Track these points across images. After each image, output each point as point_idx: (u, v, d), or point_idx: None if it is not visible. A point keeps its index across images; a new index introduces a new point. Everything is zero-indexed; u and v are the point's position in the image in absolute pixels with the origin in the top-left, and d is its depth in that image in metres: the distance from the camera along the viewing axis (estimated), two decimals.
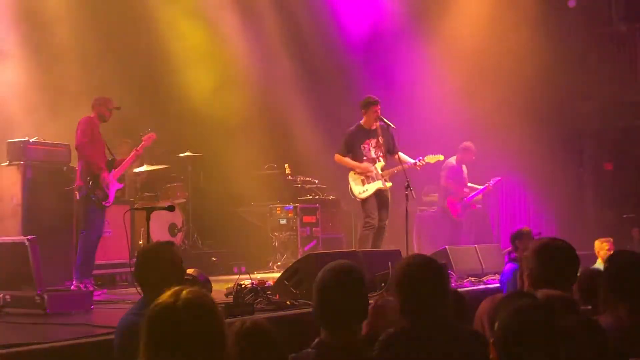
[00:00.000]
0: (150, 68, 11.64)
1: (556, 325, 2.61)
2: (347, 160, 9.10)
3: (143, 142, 8.78)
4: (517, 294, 2.96)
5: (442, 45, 13.01)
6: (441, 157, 9.59)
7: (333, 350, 3.03)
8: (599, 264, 8.49)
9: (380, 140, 9.14)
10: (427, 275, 3.22)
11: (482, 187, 11.26)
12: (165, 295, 2.35)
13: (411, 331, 3.16)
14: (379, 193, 9.07)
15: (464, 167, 11.32)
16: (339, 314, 3.09)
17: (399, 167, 9.08)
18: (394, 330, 3.19)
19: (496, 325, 2.61)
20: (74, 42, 10.46)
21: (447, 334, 3.18)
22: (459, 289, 7.16)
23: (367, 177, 9.06)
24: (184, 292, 2.35)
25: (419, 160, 9.28)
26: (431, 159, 9.45)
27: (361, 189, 9.04)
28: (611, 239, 9.46)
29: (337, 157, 9.21)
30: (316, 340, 3.10)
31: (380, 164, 9.12)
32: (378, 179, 9.07)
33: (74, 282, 7.88)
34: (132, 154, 8.68)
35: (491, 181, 11.28)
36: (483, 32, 12.73)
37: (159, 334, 2.29)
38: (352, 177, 9.12)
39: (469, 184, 11.35)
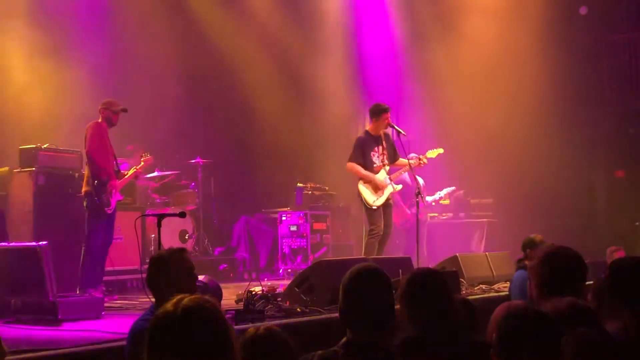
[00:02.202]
0: (162, 74, 11.68)
1: (557, 335, 2.61)
2: (361, 170, 9.02)
3: (143, 164, 8.82)
4: (513, 304, 2.98)
5: (454, 51, 13.00)
6: (441, 150, 9.58)
7: (360, 350, 3.05)
8: None
9: (384, 145, 9.15)
10: (428, 287, 3.35)
11: (433, 196, 11.31)
12: (167, 304, 2.34)
13: (420, 339, 3.22)
14: (386, 200, 9.08)
15: (418, 178, 11.30)
16: (365, 316, 3.12)
17: (406, 167, 9.14)
18: (405, 337, 3.22)
19: (494, 336, 2.63)
20: (86, 47, 10.52)
21: (456, 343, 3.21)
22: (470, 297, 7.15)
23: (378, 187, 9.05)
24: (185, 300, 2.33)
25: (422, 158, 9.29)
26: (432, 153, 9.48)
27: (375, 197, 9.00)
28: (622, 247, 9.42)
29: (350, 165, 9.12)
30: (343, 340, 3.13)
31: (385, 169, 9.14)
32: (388, 184, 9.07)
33: (77, 290, 7.82)
34: (132, 173, 8.61)
35: (443, 191, 11.33)
36: (494, 39, 12.72)
37: (161, 344, 2.28)
38: (362, 186, 9.04)
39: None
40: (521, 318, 2.61)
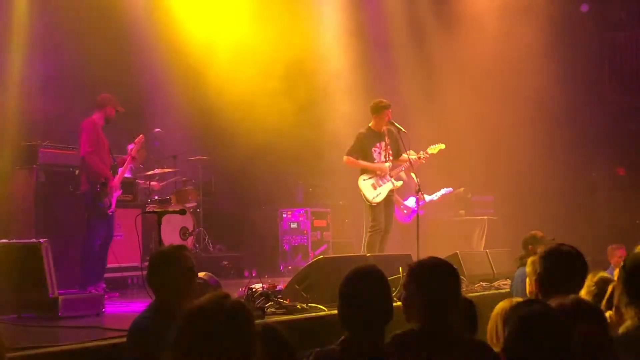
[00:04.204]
0: (161, 71, 11.67)
1: (570, 334, 2.59)
2: (361, 161, 9.03)
3: (135, 146, 8.68)
4: (528, 301, 2.95)
5: (456, 48, 13.00)
6: (442, 146, 9.47)
7: (358, 349, 3.05)
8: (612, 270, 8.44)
9: (387, 141, 9.14)
10: (440, 277, 3.25)
11: (431, 196, 11.24)
12: (209, 298, 2.34)
13: (419, 334, 3.19)
14: (387, 197, 9.07)
15: (413, 175, 11.22)
16: (363, 319, 3.11)
17: (406, 164, 9.12)
18: (404, 331, 3.21)
19: (506, 331, 2.60)
20: (84, 44, 10.51)
21: (454, 341, 3.19)
22: (470, 294, 7.16)
23: (378, 180, 9.03)
24: (229, 299, 2.35)
25: (422, 153, 9.27)
26: (433, 149, 9.42)
27: (374, 194, 9.00)
28: (623, 245, 9.41)
29: (348, 159, 9.13)
30: (342, 338, 3.13)
31: (388, 165, 9.13)
32: (388, 181, 9.08)
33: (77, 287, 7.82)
34: (127, 161, 8.57)
35: (440, 192, 11.29)
36: (496, 36, 12.71)
37: (196, 336, 2.28)
38: (362, 183, 9.04)
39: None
40: (531, 314, 2.58)
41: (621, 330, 3.30)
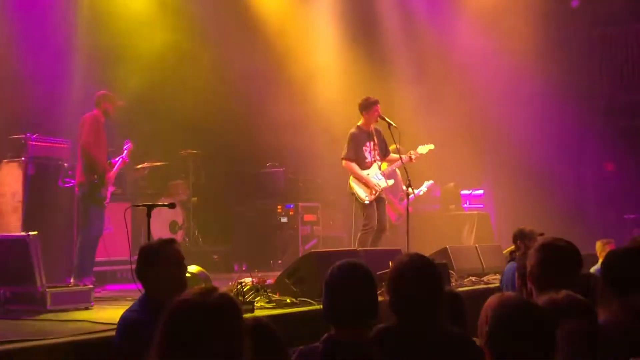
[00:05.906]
0: (151, 65, 11.63)
1: (555, 328, 2.60)
2: (357, 170, 9.00)
3: (126, 152, 8.81)
4: (505, 295, 2.96)
5: (445, 44, 13.01)
6: (432, 146, 9.50)
7: (341, 347, 3.04)
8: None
9: (375, 141, 9.16)
10: (420, 275, 3.25)
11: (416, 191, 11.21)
12: (195, 291, 2.29)
13: (399, 328, 3.19)
14: (378, 195, 9.08)
15: (398, 172, 11.13)
16: (348, 312, 3.10)
17: (398, 163, 9.13)
18: (384, 325, 3.21)
19: (486, 328, 2.60)
20: (78, 38, 10.47)
21: (435, 335, 3.19)
22: (459, 289, 7.18)
23: (370, 179, 9.04)
24: (216, 292, 2.29)
25: (412, 153, 9.28)
26: (423, 149, 9.45)
27: (367, 192, 9.01)
28: (612, 240, 9.44)
29: (346, 163, 9.11)
30: (325, 336, 3.12)
31: (377, 164, 9.15)
32: (380, 179, 9.09)
33: (71, 280, 7.82)
34: (119, 162, 8.66)
35: (423, 186, 11.30)
36: (485, 31, 12.73)
37: (180, 330, 2.22)
38: (354, 182, 9.07)
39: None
40: (513, 308, 2.59)
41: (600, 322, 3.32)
